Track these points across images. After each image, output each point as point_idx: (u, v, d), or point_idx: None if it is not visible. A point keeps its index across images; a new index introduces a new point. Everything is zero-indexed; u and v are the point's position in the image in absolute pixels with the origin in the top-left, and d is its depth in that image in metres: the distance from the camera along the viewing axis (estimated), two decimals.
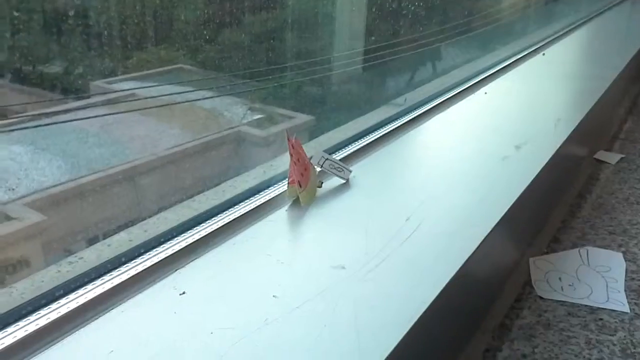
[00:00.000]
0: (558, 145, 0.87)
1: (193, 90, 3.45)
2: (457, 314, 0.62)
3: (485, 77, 1.14)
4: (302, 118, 3.49)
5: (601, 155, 1.12)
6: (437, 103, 0.97)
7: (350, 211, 0.66)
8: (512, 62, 1.29)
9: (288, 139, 0.66)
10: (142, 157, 3.13)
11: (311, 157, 0.70)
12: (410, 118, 0.90)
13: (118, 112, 3.22)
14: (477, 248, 0.62)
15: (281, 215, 0.65)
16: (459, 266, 0.59)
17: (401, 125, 0.87)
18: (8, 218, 2.51)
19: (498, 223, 0.67)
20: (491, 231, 0.65)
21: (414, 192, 0.70)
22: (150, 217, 0.84)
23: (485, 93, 1.06)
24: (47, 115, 3.12)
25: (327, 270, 0.56)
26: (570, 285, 0.74)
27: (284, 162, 0.72)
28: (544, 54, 1.42)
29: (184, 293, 0.52)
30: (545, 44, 1.54)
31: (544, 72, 1.30)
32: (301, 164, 0.67)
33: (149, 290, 0.52)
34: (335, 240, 0.61)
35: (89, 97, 3.33)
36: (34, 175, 2.91)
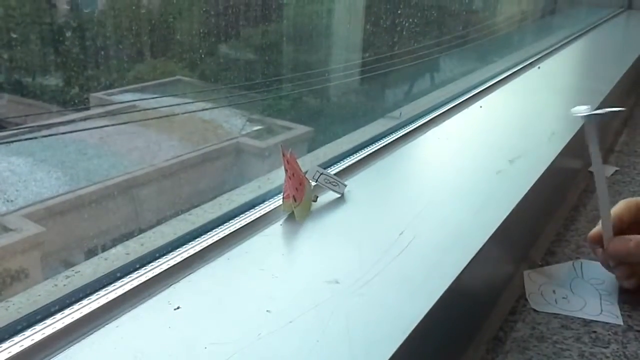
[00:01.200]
0: (552, 159, 0.88)
1: (192, 102, 3.47)
2: (451, 327, 0.62)
3: (481, 91, 1.15)
4: (301, 129, 3.50)
5: None
6: (432, 117, 0.98)
7: (344, 225, 0.67)
8: (508, 75, 1.31)
9: (283, 154, 0.67)
10: (141, 169, 3.14)
11: (306, 172, 0.71)
12: (406, 132, 0.90)
13: (117, 123, 3.24)
14: (471, 261, 0.63)
15: (276, 229, 0.66)
16: (453, 279, 0.59)
17: (396, 139, 0.88)
18: (6, 230, 2.51)
19: (492, 236, 0.68)
20: (485, 244, 0.66)
21: (408, 206, 0.71)
22: (147, 230, 0.84)
23: (481, 107, 1.07)
24: (46, 126, 3.13)
25: (321, 285, 0.56)
26: (564, 298, 0.75)
27: (279, 175, 0.73)
28: (539, 67, 1.43)
29: (178, 308, 0.53)
30: (541, 57, 1.55)
31: (539, 85, 1.32)
32: (296, 179, 0.67)
33: (144, 305, 0.53)
34: (330, 254, 0.61)
35: (88, 108, 3.35)
36: (33, 186, 2.92)
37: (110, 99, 3.42)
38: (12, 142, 2.98)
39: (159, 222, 0.87)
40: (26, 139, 3.06)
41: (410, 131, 0.91)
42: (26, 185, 2.91)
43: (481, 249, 0.65)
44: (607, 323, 0.70)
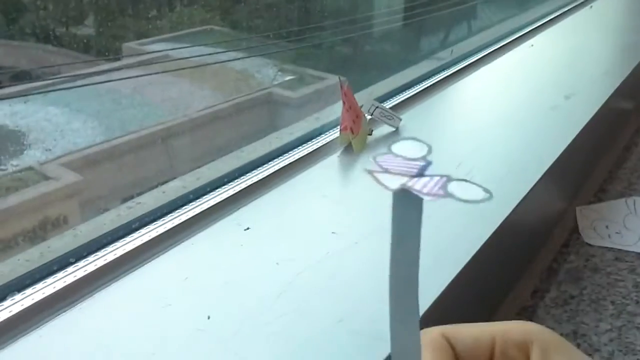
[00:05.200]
0: (606, 97, 0.88)
1: (224, 52, 3.47)
2: (507, 256, 0.64)
3: (531, 30, 1.13)
4: (333, 79, 3.48)
5: None
6: (482, 55, 0.98)
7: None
8: (559, 14, 1.28)
9: (341, 86, 0.68)
10: (175, 119, 3.18)
11: (362, 106, 0.72)
12: (457, 69, 0.91)
13: (150, 73, 3.26)
14: (527, 194, 0.64)
15: (334, 160, 0.68)
16: (509, 211, 0.61)
17: (448, 76, 0.89)
18: (45, 178, 2.59)
19: (546, 171, 0.69)
20: (540, 179, 0.67)
21: (463, 140, 0.72)
22: (199, 167, 0.87)
23: (532, 45, 1.06)
24: (80, 76, 3.18)
25: (382, 211, 0.58)
26: (617, 232, 0.76)
27: (326, 115, 0.75)
28: (591, 7, 1.40)
29: (248, 228, 0.56)
30: None
31: (590, 25, 1.29)
32: (353, 112, 0.69)
33: (216, 226, 0.56)
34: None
35: (121, 58, 3.38)
36: (69, 136, 2.99)
37: (142, 49, 3.44)
38: (48, 92, 3.04)
39: (209, 161, 0.89)
40: (62, 89, 3.12)
41: (462, 68, 0.91)
42: (63, 134, 2.99)
43: (536, 183, 0.66)
44: None
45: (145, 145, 3.00)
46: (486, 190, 0.20)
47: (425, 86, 0.84)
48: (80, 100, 3.18)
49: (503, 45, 1.04)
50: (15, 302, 0.45)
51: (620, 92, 0.93)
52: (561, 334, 0.61)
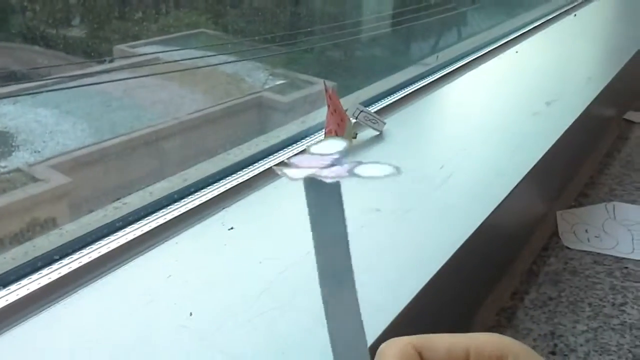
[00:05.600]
0: (588, 103, 0.90)
1: (215, 55, 3.48)
2: (487, 257, 0.66)
3: (516, 37, 1.15)
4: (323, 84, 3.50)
5: (630, 115, 1.14)
6: (468, 61, 1.00)
7: (385, 160, 0.70)
8: (543, 22, 1.31)
9: (326, 90, 0.69)
10: (165, 122, 3.18)
11: (346, 109, 0.74)
12: (442, 75, 0.92)
13: (140, 75, 3.27)
14: (507, 197, 0.66)
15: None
16: (489, 212, 0.62)
17: (433, 81, 0.90)
18: (34, 180, 2.58)
19: (527, 175, 0.70)
20: (520, 182, 0.69)
21: (446, 144, 0.74)
22: (188, 168, 0.88)
23: (517, 52, 1.08)
24: (71, 78, 3.18)
25: (363, 212, 0.60)
26: (596, 236, 0.78)
27: (313, 118, 0.76)
28: (575, 15, 1.42)
29: (232, 228, 0.57)
30: (577, 4, 1.54)
31: (575, 32, 1.32)
32: (337, 115, 0.70)
33: (200, 225, 0.57)
34: (372, 186, 0.65)
35: (112, 60, 3.38)
36: (59, 138, 2.98)
37: (133, 51, 3.44)
38: (38, 93, 3.03)
39: (195, 164, 0.90)
40: (51, 91, 3.11)
41: (447, 73, 0.93)
42: (52, 136, 2.98)
43: (516, 186, 0.68)
44: (639, 260, 0.73)
45: (134, 148, 2.99)
46: (395, 168, 0.20)
47: (411, 91, 0.86)
48: (70, 102, 3.18)
49: (488, 52, 1.05)
50: (0, 298, 0.45)
51: (601, 99, 0.95)
52: (539, 335, 0.62)
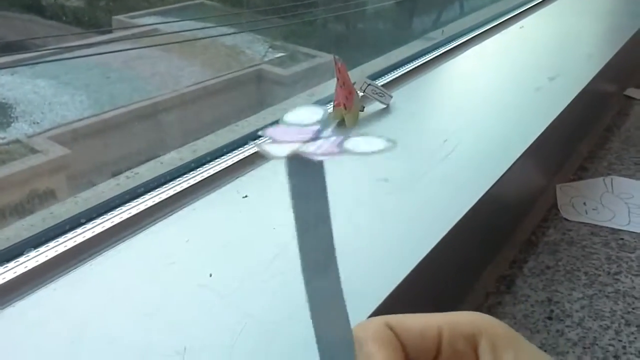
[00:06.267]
0: (589, 79, 0.92)
1: (214, 27, 3.47)
2: (488, 227, 0.69)
3: (521, 12, 1.17)
4: (324, 57, 3.50)
5: (631, 92, 1.17)
6: (473, 36, 1.02)
7: (391, 133, 0.73)
8: None
9: (335, 63, 0.72)
10: (164, 94, 3.19)
11: (354, 83, 0.76)
12: (448, 49, 0.95)
13: (139, 47, 3.26)
14: (508, 170, 0.69)
15: (327, 134, 0.72)
16: (491, 184, 0.65)
17: (438, 55, 0.93)
18: (33, 151, 2.61)
19: (528, 148, 0.73)
20: (521, 155, 0.72)
21: (451, 117, 0.77)
22: (195, 140, 0.91)
23: (521, 27, 1.10)
24: (69, 49, 3.17)
25: (372, 182, 0.63)
26: (594, 209, 0.81)
27: (320, 91, 0.79)
28: None
29: (246, 196, 0.60)
30: None
31: (579, 8, 1.33)
32: (346, 88, 0.73)
33: (215, 193, 0.60)
34: (379, 158, 0.68)
35: (111, 31, 3.37)
36: (58, 109, 2.99)
37: (132, 22, 3.43)
38: (36, 63, 3.03)
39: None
40: (50, 61, 3.11)
41: (452, 48, 0.96)
42: (51, 107, 2.99)
43: (518, 160, 0.71)
44: (634, 232, 0.77)
45: (133, 120, 3.00)
46: (390, 141, 0.18)
47: (416, 65, 0.88)
48: (68, 73, 3.18)
49: (494, 27, 1.08)
50: (30, 259, 0.49)
51: (603, 75, 0.98)
52: (536, 301, 0.66)
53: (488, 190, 0.64)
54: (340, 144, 0.19)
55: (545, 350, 0.61)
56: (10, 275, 0.47)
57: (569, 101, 0.85)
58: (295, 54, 3.46)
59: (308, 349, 0.41)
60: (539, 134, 0.76)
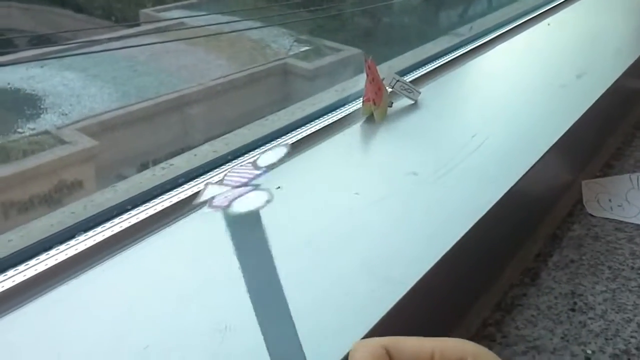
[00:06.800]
0: (617, 76, 0.94)
1: (240, 20, 3.51)
2: (513, 221, 0.71)
3: (549, 9, 1.19)
4: (349, 51, 3.52)
5: None
6: (500, 33, 1.04)
7: (420, 128, 0.76)
8: None
9: (365, 60, 0.75)
10: (191, 87, 3.25)
11: (383, 79, 0.79)
12: (475, 46, 0.97)
13: (166, 40, 3.32)
14: (535, 164, 0.71)
15: (357, 129, 0.75)
16: (518, 178, 0.68)
17: (465, 53, 0.95)
18: (62, 142, 2.68)
19: (555, 144, 0.75)
20: (548, 151, 0.74)
21: (479, 113, 0.79)
22: (225, 134, 0.94)
23: (549, 24, 1.12)
24: (97, 42, 3.24)
25: (401, 175, 0.66)
26: (619, 206, 0.83)
27: (350, 87, 0.82)
28: None
29: (279, 187, 0.63)
30: None
31: (607, 4, 1.34)
32: (375, 84, 0.76)
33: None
34: (408, 151, 0.71)
35: (138, 24, 3.42)
36: (86, 101, 3.07)
37: (159, 16, 3.49)
38: (65, 56, 3.11)
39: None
40: (78, 54, 3.19)
41: (479, 45, 0.98)
42: (79, 99, 3.07)
43: (544, 155, 0.73)
44: None
45: (160, 113, 3.05)
46: (270, 194, 0.20)
47: (444, 62, 0.91)
48: (96, 66, 3.24)
49: (521, 24, 1.09)
50: (80, 242, 0.52)
51: (631, 72, 0.99)
52: (560, 294, 0.68)
53: (515, 185, 0.67)
54: (234, 199, 0.22)
55: (567, 341, 0.63)
56: (62, 257, 0.51)
57: (596, 98, 0.86)
58: (320, 48, 3.49)
59: (338, 327, 0.44)
60: (566, 130, 0.78)
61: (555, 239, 0.77)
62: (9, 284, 0.47)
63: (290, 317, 0.23)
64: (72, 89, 3.20)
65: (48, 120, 3.02)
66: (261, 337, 0.45)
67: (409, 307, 0.50)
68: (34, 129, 2.92)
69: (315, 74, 3.49)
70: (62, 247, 0.52)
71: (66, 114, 3.09)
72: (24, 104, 2.97)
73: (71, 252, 0.51)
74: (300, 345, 0.25)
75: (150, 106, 3.12)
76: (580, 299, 0.68)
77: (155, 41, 3.41)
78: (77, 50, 3.29)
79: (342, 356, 0.44)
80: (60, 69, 3.22)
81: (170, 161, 0.89)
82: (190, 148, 0.92)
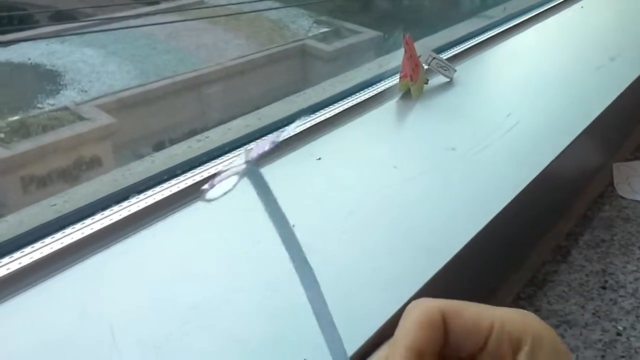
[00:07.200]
0: None
1: (260, 0, 3.50)
2: (546, 200, 0.73)
3: None
4: (369, 33, 3.52)
5: None
6: (534, 14, 1.04)
7: (456, 105, 0.77)
8: None
9: (403, 36, 0.76)
10: (209, 66, 3.26)
11: (419, 56, 0.80)
12: (509, 27, 0.98)
13: (186, 19, 3.33)
14: (568, 146, 0.72)
15: (393, 105, 0.77)
16: (552, 159, 0.69)
17: (500, 32, 0.96)
18: (81, 118, 2.71)
19: (588, 127, 0.76)
20: (581, 133, 0.75)
21: (513, 93, 0.80)
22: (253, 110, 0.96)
23: (582, 7, 1.12)
24: (117, 19, 3.26)
25: (439, 150, 0.67)
26: None
27: (386, 62, 0.83)
28: None
29: (320, 158, 0.65)
30: None
31: None
32: (412, 61, 0.77)
33: (293, 154, 0.65)
34: (445, 128, 0.72)
35: (158, 2, 3.43)
36: (105, 78, 3.09)
37: None
38: (85, 33, 3.13)
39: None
40: (98, 31, 3.21)
41: (513, 26, 0.98)
42: (99, 76, 3.09)
43: (577, 137, 0.74)
44: None
45: (178, 92, 3.07)
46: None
47: (479, 41, 0.92)
48: (116, 43, 3.26)
49: (554, 6, 1.10)
50: (132, 204, 0.55)
51: None
52: (591, 271, 0.70)
53: (549, 165, 0.68)
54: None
55: (598, 317, 0.65)
56: (116, 217, 0.53)
57: (630, 81, 0.87)
58: (339, 30, 3.48)
59: (383, 288, 0.46)
60: (599, 113, 0.79)
61: (585, 219, 0.78)
62: (67, 241, 0.50)
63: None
64: (92, 65, 3.22)
65: (67, 97, 3.05)
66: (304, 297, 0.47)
67: (446, 277, 0.52)
68: (53, 104, 2.95)
69: (333, 55, 3.48)
70: (115, 208, 0.54)
71: (85, 91, 3.12)
72: (44, 80, 3.00)
73: (125, 213, 0.53)
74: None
75: (168, 84, 3.14)
76: (611, 277, 0.70)
77: (175, 19, 3.42)
78: (98, 27, 3.31)
79: (387, 317, 0.46)
80: (81, 45, 3.24)
81: (206, 134, 0.92)
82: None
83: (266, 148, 0.23)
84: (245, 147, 0.67)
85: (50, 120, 2.68)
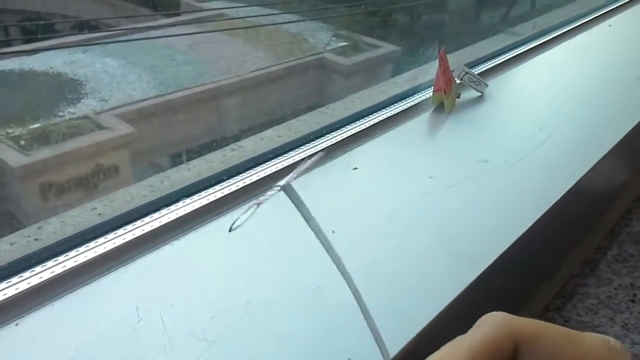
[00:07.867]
0: None
1: (280, 13, 3.56)
2: (575, 214, 0.75)
3: (609, 10, 1.21)
4: (387, 48, 3.56)
5: None
6: (562, 32, 1.07)
7: (488, 119, 0.80)
8: None
9: (438, 50, 0.79)
10: (228, 78, 3.31)
11: (452, 70, 0.83)
12: (538, 43, 1.01)
13: (205, 31, 3.39)
14: (599, 160, 0.74)
15: (426, 118, 0.80)
16: (583, 174, 0.71)
17: (530, 49, 0.98)
18: (100, 127, 2.76)
19: (617, 143, 0.79)
20: (611, 149, 0.77)
21: (544, 108, 0.83)
22: (284, 121, 0.99)
23: (610, 26, 1.15)
24: (138, 30, 3.32)
25: (473, 162, 0.70)
26: None
27: (421, 75, 0.86)
28: None
29: (356, 168, 0.68)
30: None
31: None
32: (446, 74, 0.80)
33: (328, 164, 0.68)
34: (477, 141, 0.75)
35: (178, 14, 3.50)
36: (125, 88, 3.15)
37: (199, 6, 3.56)
38: (107, 43, 3.19)
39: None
40: (119, 42, 3.27)
41: (542, 43, 1.01)
42: (119, 86, 3.15)
43: (608, 153, 0.76)
44: None
45: (197, 103, 3.12)
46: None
47: (509, 57, 0.94)
48: (136, 54, 3.32)
49: (582, 24, 1.12)
50: (179, 207, 0.58)
51: None
52: (619, 285, 0.72)
53: (580, 179, 0.70)
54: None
55: (628, 330, 0.67)
56: (165, 220, 0.56)
57: None
58: (358, 44, 3.53)
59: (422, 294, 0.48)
60: (629, 130, 0.81)
61: (613, 234, 0.80)
62: (120, 241, 0.53)
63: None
64: (112, 75, 3.28)
65: (88, 105, 3.11)
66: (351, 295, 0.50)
67: (481, 285, 0.54)
68: (73, 113, 3.00)
69: (352, 69, 3.52)
70: (164, 211, 0.57)
71: (105, 100, 3.18)
72: (65, 89, 3.06)
73: (173, 216, 0.56)
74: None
75: (187, 95, 3.20)
76: (639, 291, 0.72)
77: (195, 31, 3.49)
78: (119, 37, 3.38)
79: (426, 321, 0.48)
80: (102, 55, 3.31)
81: (240, 143, 0.95)
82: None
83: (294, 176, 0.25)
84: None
85: (70, 129, 2.73)
